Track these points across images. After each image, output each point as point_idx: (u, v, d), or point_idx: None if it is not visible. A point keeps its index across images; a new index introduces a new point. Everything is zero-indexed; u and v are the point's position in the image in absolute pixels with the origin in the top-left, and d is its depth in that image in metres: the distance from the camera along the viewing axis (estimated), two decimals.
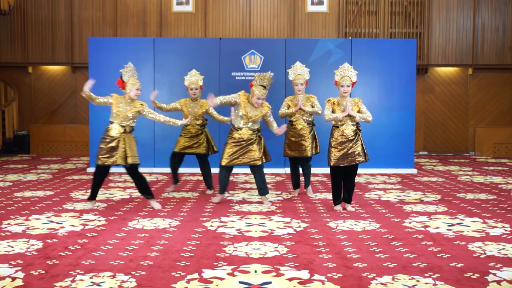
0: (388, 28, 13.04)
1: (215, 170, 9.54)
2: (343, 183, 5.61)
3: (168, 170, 9.21)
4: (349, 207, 5.65)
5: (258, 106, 5.86)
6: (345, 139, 5.41)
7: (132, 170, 5.66)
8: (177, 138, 6.79)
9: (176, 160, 6.85)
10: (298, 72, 6.49)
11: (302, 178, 6.99)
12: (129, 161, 5.55)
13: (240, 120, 5.87)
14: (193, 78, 6.73)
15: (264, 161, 5.98)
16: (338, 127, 5.47)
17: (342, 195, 5.67)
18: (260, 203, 6.07)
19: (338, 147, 5.41)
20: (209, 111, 6.66)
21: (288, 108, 6.50)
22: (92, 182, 5.65)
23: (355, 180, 5.62)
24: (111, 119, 5.57)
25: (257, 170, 5.96)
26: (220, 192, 6.10)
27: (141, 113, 5.72)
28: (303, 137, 6.38)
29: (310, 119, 6.50)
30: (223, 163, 5.92)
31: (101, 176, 5.64)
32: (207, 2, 13.11)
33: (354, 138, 5.43)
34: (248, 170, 9.24)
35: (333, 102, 5.52)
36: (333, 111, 5.48)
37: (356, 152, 5.41)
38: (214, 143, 6.90)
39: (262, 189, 6.00)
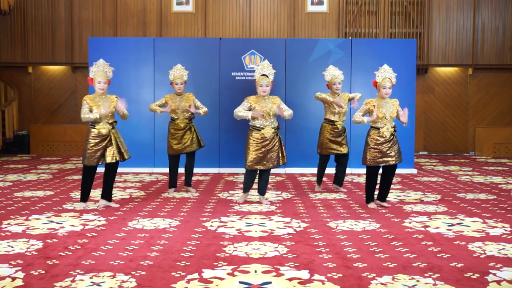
0: (388, 28, 13.04)
1: (210, 170, 9.53)
2: (381, 181, 5.86)
3: (167, 170, 9.21)
4: (384, 204, 5.87)
5: (265, 95, 5.85)
6: (383, 140, 5.62)
7: (116, 166, 5.69)
8: (168, 138, 6.82)
9: (176, 161, 6.85)
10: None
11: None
12: (126, 156, 5.63)
13: (260, 119, 5.86)
14: (178, 73, 6.76)
15: (281, 163, 6.00)
16: (377, 128, 5.64)
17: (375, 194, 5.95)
18: (260, 203, 6.07)
19: (376, 148, 5.62)
20: (196, 104, 6.74)
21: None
22: (84, 183, 5.68)
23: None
24: (97, 120, 5.50)
25: (266, 172, 6.03)
26: (245, 191, 6.14)
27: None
28: (342, 136, 6.73)
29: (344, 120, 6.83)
30: (247, 167, 5.93)
31: (92, 176, 5.69)
32: (207, 2, 13.10)
33: (391, 140, 5.64)
34: None
35: (373, 105, 5.64)
36: (369, 112, 5.65)
37: (392, 153, 5.62)
38: (201, 138, 6.90)
39: (262, 189, 6.08)
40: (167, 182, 7.89)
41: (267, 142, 5.83)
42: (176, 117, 6.70)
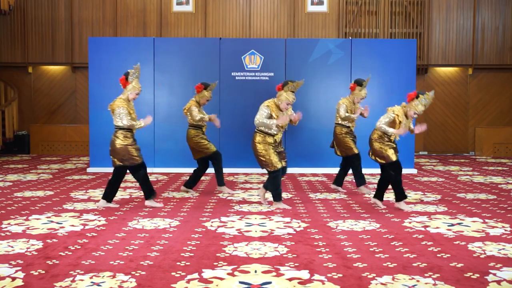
0: (388, 28, 13.04)
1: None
2: (383, 182, 5.86)
3: (167, 170, 9.23)
4: (381, 204, 5.92)
5: (285, 111, 5.92)
6: (394, 145, 5.82)
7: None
8: (204, 141, 6.86)
9: (218, 160, 6.92)
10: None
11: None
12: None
13: (275, 128, 5.88)
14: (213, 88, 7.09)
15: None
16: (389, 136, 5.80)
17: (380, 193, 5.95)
18: (260, 203, 6.07)
19: (393, 146, 5.78)
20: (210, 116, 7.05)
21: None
22: (115, 184, 5.82)
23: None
24: (130, 124, 5.70)
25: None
26: (279, 199, 5.92)
27: None
28: (355, 139, 7.01)
29: None
30: (275, 167, 5.77)
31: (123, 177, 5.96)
32: (207, 2, 13.11)
33: (396, 145, 5.87)
34: (248, 170, 9.25)
35: (400, 120, 5.67)
36: (392, 122, 5.71)
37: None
38: None
39: (267, 184, 6.07)
40: (167, 182, 7.90)
41: (277, 145, 6.00)
42: (203, 124, 6.94)
